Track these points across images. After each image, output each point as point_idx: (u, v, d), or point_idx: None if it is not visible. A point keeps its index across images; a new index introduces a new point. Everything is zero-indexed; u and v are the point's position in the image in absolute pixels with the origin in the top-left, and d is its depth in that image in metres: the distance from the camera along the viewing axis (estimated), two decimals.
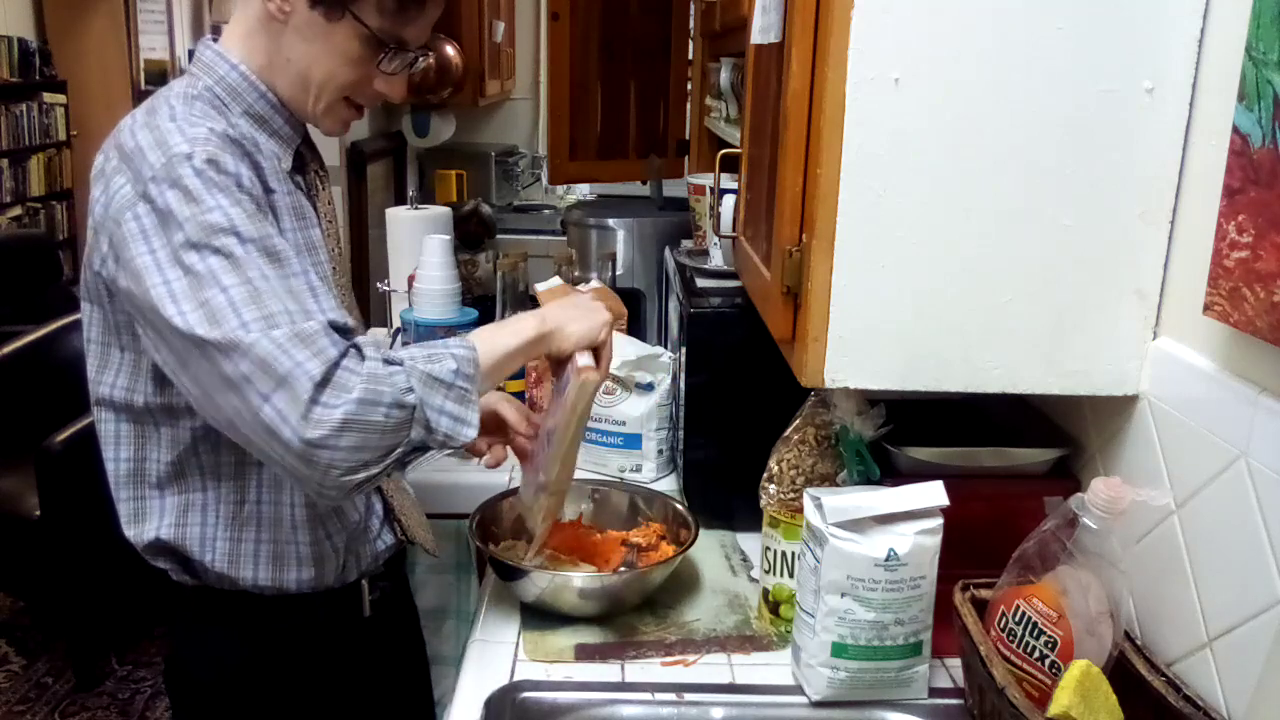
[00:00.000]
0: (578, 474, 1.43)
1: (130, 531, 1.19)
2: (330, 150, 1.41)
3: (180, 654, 1.30)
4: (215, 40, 1.17)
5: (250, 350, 0.96)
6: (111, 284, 1.07)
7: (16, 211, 6.08)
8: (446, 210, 2.45)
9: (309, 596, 1.23)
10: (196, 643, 1.27)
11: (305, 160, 1.24)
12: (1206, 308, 0.89)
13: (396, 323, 2.02)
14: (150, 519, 1.18)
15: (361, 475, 0.99)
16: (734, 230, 1.49)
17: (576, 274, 2.31)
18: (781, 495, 1.25)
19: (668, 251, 1.88)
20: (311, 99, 1.16)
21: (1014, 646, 1.00)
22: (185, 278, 0.99)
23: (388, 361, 1.01)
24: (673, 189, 2.55)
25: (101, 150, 1.11)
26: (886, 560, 1.05)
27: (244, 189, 1.04)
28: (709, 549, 1.49)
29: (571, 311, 1.18)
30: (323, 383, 0.96)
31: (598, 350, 1.18)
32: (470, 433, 1.04)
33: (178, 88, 1.15)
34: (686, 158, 3.07)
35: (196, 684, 1.28)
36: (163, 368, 1.06)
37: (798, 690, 1.14)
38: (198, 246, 0.99)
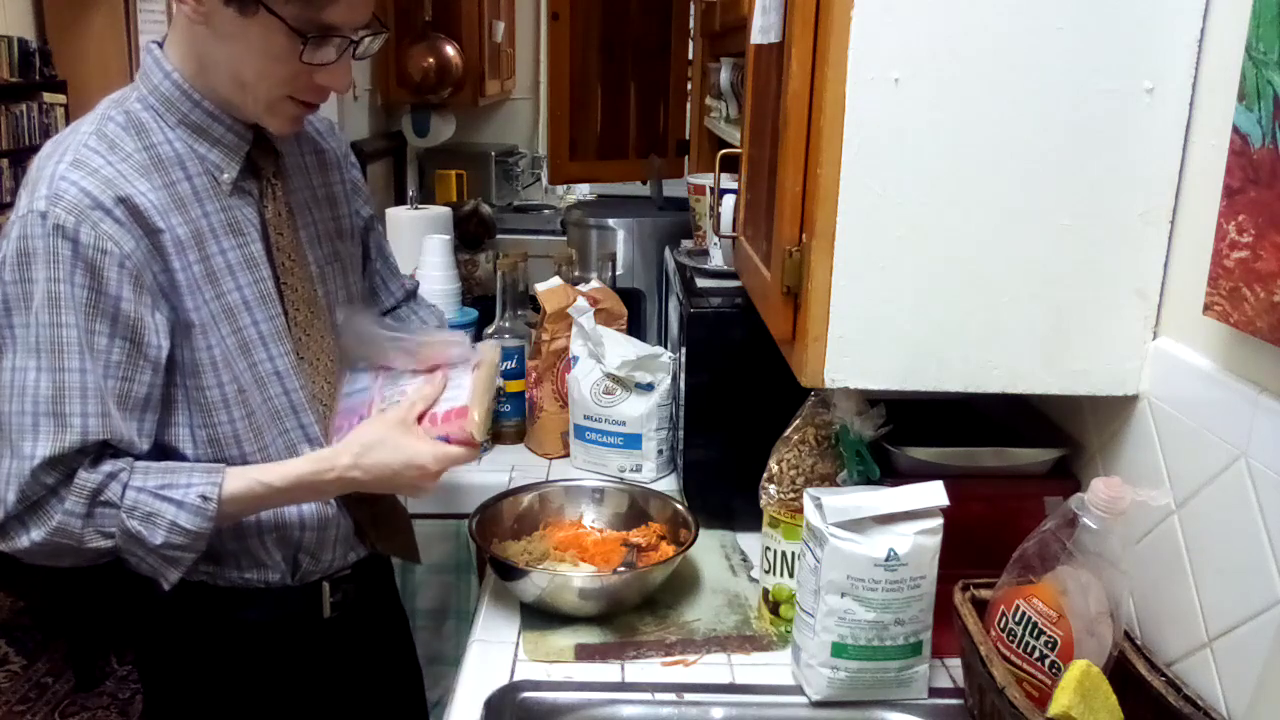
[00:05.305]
0: (578, 474, 1.69)
1: None
2: None
3: (149, 641, 1.31)
4: (161, 44, 1.14)
5: None
6: None
7: None
8: (446, 210, 2.45)
9: (266, 591, 1.24)
10: (163, 628, 1.27)
11: (258, 166, 1.18)
12: (1206, 308, 0.89)
13: None
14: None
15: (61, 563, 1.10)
16: (734, 230, 1.49)
17: (576, 274, 2.31)
18: (781, 495, 1.25)
19: (668, 251, 1.88)
20: (250, 100, 1.11)
21: (1014, 646, 1.00)
22: None
23: (105, 504, 1.06)
24: (673, 189, 2.54)
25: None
26: (886, 560, 1.05)
27: (86, 262, 1.04)
28: (709, 549, 1.49)
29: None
30: (15, 515, 1.05)
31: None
32: (170, 580, 1.11)
33: (111, 99, 1.15)
34: (686, 158, 3.07)
35: (164, 668, 1.29)
36: None
37: (798, 690, 1.14)
38: (6, 309, 1.06)
